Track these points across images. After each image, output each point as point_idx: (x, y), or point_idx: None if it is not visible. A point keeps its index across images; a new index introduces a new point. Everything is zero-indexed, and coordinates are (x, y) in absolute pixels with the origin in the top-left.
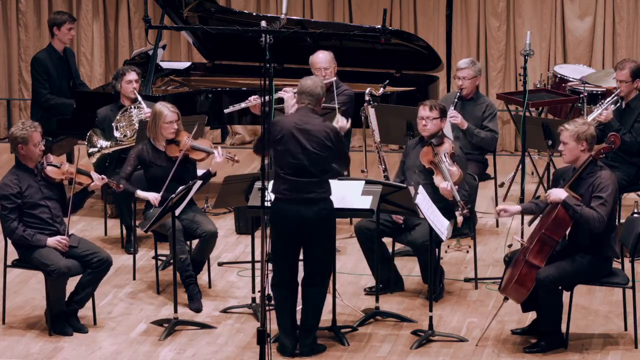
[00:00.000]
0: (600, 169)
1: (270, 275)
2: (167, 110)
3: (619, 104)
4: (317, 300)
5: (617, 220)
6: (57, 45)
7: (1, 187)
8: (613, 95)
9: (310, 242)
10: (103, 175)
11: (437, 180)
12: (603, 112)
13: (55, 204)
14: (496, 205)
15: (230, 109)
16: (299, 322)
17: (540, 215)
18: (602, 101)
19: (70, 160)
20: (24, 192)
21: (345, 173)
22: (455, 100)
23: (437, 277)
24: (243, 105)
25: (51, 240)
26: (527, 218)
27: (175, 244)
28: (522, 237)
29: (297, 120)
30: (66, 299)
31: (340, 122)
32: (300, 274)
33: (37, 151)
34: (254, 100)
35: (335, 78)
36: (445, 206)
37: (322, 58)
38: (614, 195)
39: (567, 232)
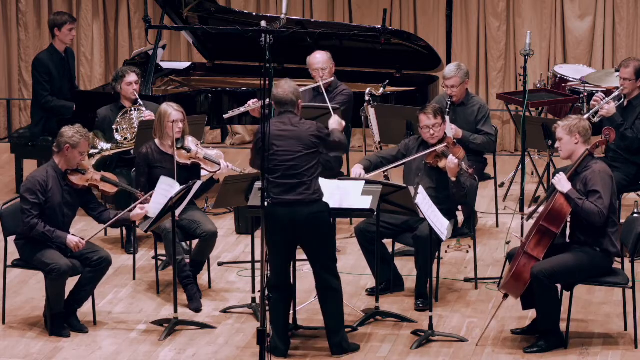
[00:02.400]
0: (595, 163)
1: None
2: (171, 109)
3: (621, 101)
4: (333, 302)
5: (618, 219)
6: (58, 46)
7: (30, 179)
8: (616, 92)
9: (310, 246)
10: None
11: (442, 163)
12: (605, 106)
13: (70, 212)
14: (496, 205)
15: (230, 114)
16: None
17: (540, 209)
18: (604, 96)
19: None
20: (47, 191)
21: (345, 173)
22: (448, 109)
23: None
24: (242, 109)
25: (71, 239)
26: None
27: (174, 245)
28: (522, 235)
29: (280, 124)
30: (65, 299)
31: (333, 122)
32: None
33: (79, 159)
34: (252, 105)
35: (333, 78)
36: (446, 207)
37: (319, 59)
38: (609, 186)
39: (567, 229)
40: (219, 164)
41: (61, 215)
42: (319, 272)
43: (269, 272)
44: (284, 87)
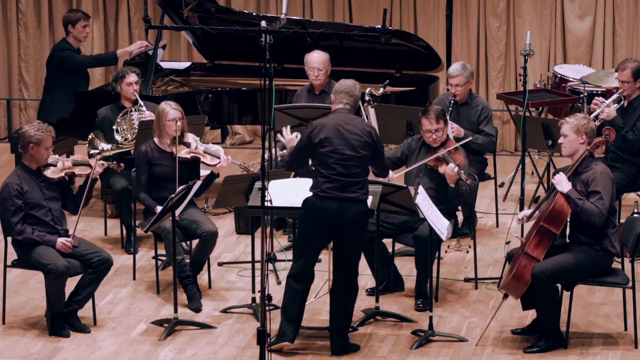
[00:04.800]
0: (596, 164)
1: (269, 275)
2: (169, 107)
3: (621, 103)
4: (348, 301)
5: (617, 220)
6: (72, 42)
7: (4, 188)
8: (615, 94)
9: (344, 243)
10: (102, 161)
11: (442, 169)
12: (605, 109)
13: (57, 205)
14: (496, 205)
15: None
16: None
17: (540, 209)
18: (604, 100)
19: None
20: (25, 193)
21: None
22: (450, 108)
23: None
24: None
25: (58, 242)
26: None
27: (174, 245)
28: (522, 235)
29: (339, 120)
30: (66, 299)
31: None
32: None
33: (46, 155)
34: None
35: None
36: (446, 207)
37: (317, 58)
38: (610, 187)
39: (567, 229)
40: (219, 157)
41: (49, 211)
42: (342, 267)
43: (293, 261)
44: (353, 81)
